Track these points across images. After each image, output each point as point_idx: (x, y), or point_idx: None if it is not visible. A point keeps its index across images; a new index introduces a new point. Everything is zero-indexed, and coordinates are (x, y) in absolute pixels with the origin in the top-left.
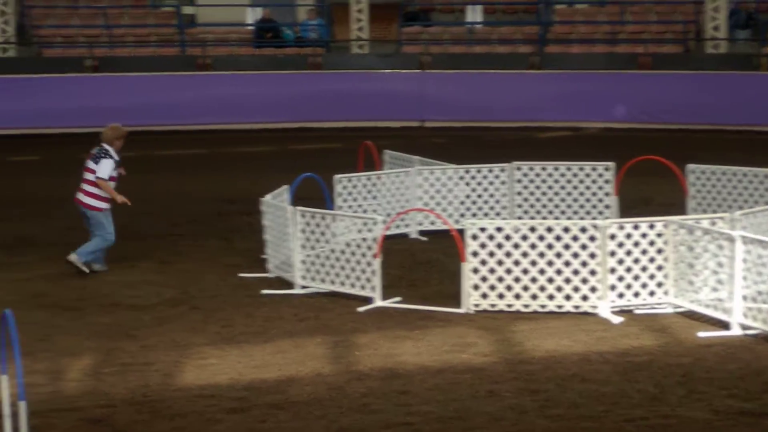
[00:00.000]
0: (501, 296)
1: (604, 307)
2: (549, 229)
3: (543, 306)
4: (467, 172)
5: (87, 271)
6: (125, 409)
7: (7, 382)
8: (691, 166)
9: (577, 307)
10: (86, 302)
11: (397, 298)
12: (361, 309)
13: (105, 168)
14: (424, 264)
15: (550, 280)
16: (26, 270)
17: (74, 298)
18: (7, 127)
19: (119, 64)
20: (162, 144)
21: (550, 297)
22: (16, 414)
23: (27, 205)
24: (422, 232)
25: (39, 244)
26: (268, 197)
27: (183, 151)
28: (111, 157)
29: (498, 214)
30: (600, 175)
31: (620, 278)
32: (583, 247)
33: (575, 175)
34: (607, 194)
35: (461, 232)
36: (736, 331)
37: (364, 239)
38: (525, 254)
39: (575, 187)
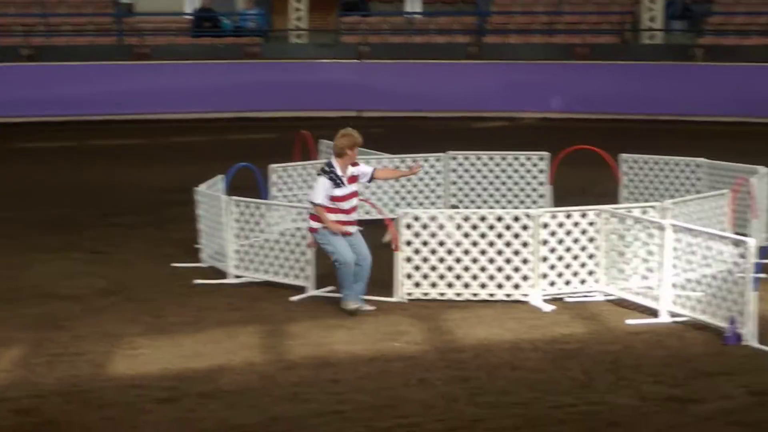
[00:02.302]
0: (434, 285)
1: (536, 295)
2: (482, 218)
3: (475, 295)
4: (402, 161)
5: (367, 308)
6: (55, 400)
7: None
8: (624, 156)
9: (508, 295)
10: (18, 293)
11: (331, 288)
12: (294, 298)
13: (316, 190)
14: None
15: (483, 269)
16: None
17: (5, 289)
18: None
19: (56, 53)
20: (99, 134)
21: (482, 286)
22: None
23: None
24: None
25: None
26: (202, 187)
27: (120, 141)
28: (329, 173)
29: (432, 203)
30: (534, 165)
31: (552, 267)
32: (516, 236)
33: (510, 164)
34: (541, 183)
35: (395, 221)
36: (664, 318)
37: (298, 229)
38: (458, 243)
39: (510, 177)
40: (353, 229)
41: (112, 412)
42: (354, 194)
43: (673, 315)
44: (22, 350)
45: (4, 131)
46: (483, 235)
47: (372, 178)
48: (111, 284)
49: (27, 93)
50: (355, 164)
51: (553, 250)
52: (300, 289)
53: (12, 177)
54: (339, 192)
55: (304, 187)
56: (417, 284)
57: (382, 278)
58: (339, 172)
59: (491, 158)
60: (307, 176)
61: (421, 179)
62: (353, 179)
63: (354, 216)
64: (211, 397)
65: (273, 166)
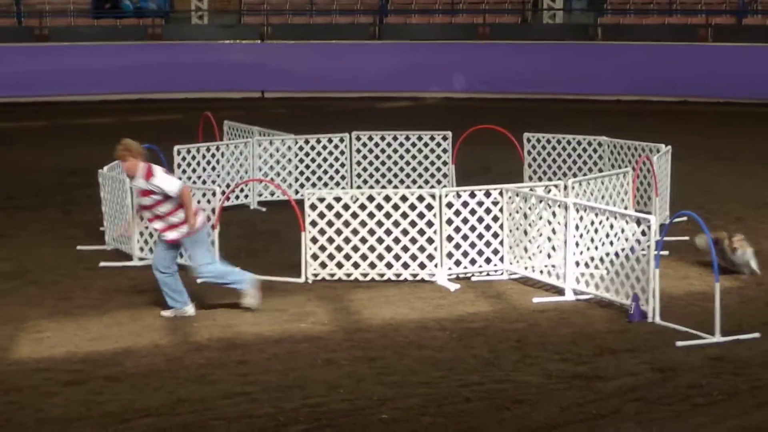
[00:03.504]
0: (340, 265)
1: (441, 274)
2: (387, 198)
3: (381, 275)
4: (307, 142)
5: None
6: None
7: None
8: (527, 135)
9: (414, 275)
10: None
11: (237, 268)
12: (200, 280)
13: None
14: (264, 234)
15: (388, 249)
16: None
17: None
18: None
19: None
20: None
21: (388, 265)
22: None
23: None
24: (261, 203)
25: None
26: (105, 169)
27: (21, 123)
28: None
29: (337, 184)
30: (438, 145)
31: (457, 246)
32: (421, 215)
33: (414, 144)
34: (444, 163)
35: (300, 202)
36: (569, 296)
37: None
38: (363, 223)
39: (414, 157)
40: (174, 236)
41: (18, 396)
42: (149, 206)
43: (578, 293)
44: None
45: None
46: (388, 215)
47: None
48: (14, 267)
49: None
50: (149, 177)
51: (458, 230)
52: None
53: None
54: (139, 200)
55: (207, 168)
56: (323, 265)
57: (288, 259)
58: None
59: (395, 138)
60: (210, 157)
61: (325, 159)
62: (146, 192)
63: (157, 225)
64: (117, 379)
65: (177, 147)
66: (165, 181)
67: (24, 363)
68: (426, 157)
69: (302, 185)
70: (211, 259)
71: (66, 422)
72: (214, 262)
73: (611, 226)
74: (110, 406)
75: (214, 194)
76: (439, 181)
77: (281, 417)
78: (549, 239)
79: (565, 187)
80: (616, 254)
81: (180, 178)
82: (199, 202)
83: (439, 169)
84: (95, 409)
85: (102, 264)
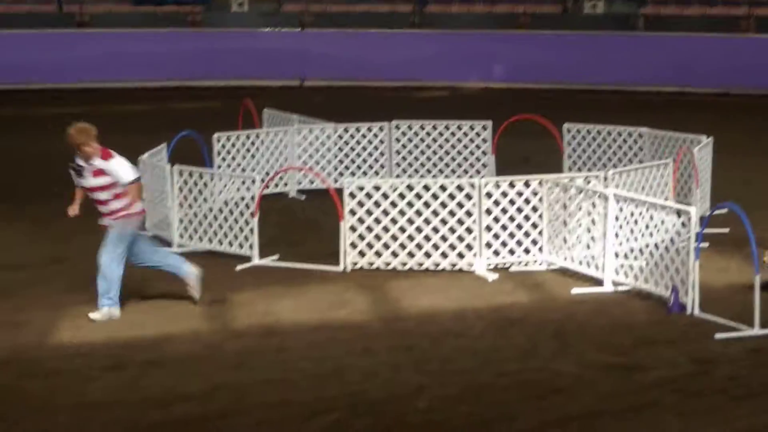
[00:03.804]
0: (378, 254)
1: (480, 264)
2: (426, 188)
3: (420, 264)
4: (346, 130)
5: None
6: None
7: None
8: (567, 125)
9: (453, 264)
10: None
11: (275, 257)
12: (239, 267)
13: None
14: (303, 222)
15: (427, 238)
16: None
17: None
18: None
19: None
20: (41, 103)
21: (427, 255)
22: None
23: None
24: (301, 191)
25: None
26: (145, 156)
27: (62, 110)
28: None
29: (376, 173)
30: (478, 134)
31: (496, 236)
32: (460, 205)
33: (453, 134)
34: (484, 153)
35: (339, 191)
36: (608, 287)
37: (243, 198)
38: (402, 213)
39: (453, 147)
40: (106, 222)
41: (58, 380)
42: (100, 188)
43: (617, 284)
44: None
45: None
46: (427, 205)
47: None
48: (54, 254)
49: None
50: (107, 157)
51: (497, 220)
52: (244, 258)
53: None
54: (83, 182)
55: (247, 156)
56: (362, 253)
57: (327, 248)
58: (80, 162)
59: (435, 127)
60: (250, 145)
61: (364, 148)
62: (99, 172)
63: (105, 209)
64: (156, 365)
65: (217, 134)
66: (122, 167)
67: (64, 348)
68: (465, 146)
69: (341, 174)
70: (116, 259)
71: (105, 406)
72: (113, 262)
73: (651, 218)
74: (149, 391)
75: (253, 182)
76: (478, 171)
77: (319, 404)
78: (588, 230)
79: (605, 178)
80: (656, 246)
81: (220, 166)
82: (238, 189)
83: (478, 159)
84: (134, 394)
85: None
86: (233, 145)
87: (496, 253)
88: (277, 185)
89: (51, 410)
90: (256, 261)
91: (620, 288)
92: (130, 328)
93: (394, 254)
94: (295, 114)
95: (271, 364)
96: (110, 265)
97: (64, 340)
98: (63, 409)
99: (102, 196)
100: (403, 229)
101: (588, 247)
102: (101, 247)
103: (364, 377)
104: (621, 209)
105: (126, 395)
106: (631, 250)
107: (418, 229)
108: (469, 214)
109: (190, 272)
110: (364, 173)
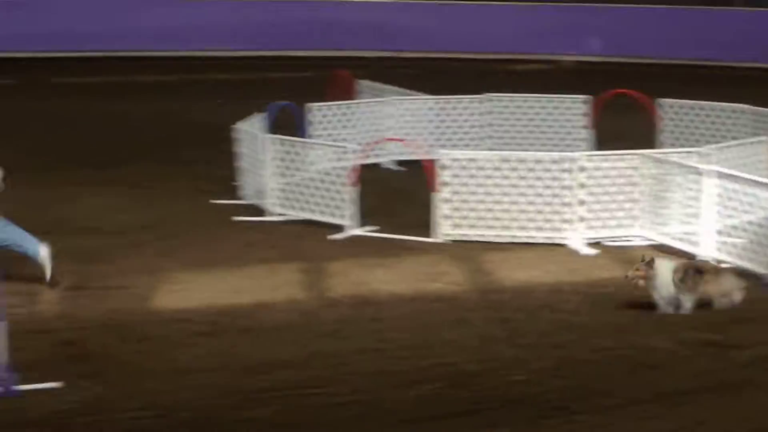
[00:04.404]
0: (473, 226)
1: (576, 239)
2: (521, 160)
3: (515, 237)
4: (447, 102)
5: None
6: (97, 332)
7: None
8: (664, 101)
9: (548, 238)
10: (61, 226)
11: (371, 227)
12: (335, 237)
13: None
14: (398, 194)
15: (523, 212)
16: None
17: (49, 222)
18: None
19: None
20: (140, 70)
21: (522, 228)
22: None
23: None
24: (398, 162)
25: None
26: (242, 124)
27: (159, 77)
28: None
29: (472, 145)
30: (575, 109)
31: (592, 210)
32: (556, 178)
33: (551, 108)
34: (581, 127)
35: (433, 162)
36: None
37: (340, 168)
38: (498, 185)
39: (550, 120)
40: None
41: (153, 345)
42: None
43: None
44: (66, 282)
45: (46, 65)
46: (523, 178)
47: None
48: (153, 219)
49: (67, 26)
50: None
51: (593, 194)
52: (339, 228)
53: (54, 111)
54: None
55: (338, 126)
56: (457, 225)
57: (422, 219)
58: None
59: (531, 101)
60: (347, 115)
61: (466, 120)
62: None
63: None
64: (252, 332)
65: (312, 104)
66: None
67: (160, 313)
68: (563, 121)
69: (436, 146)
70: None
71: (200, 372)
72: None
73: (749, 194)
74: (245, 358)
75: (350, 152)
76: (575, 145)
77: (415, 375)
78: (686, 206)
79: (703, 154)
80: (754, 223)
81: (315, 136)
82: (335, 160)
83: (575, 134)
84: (230, 361)
85: (237, 218)
86: (325, 116)
87: (592, 227)
88: (373, 156)
89: (146, 375)
90: (352, 231)
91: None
92: (226, 294)
93: (490, 227)
94: (390, 85)
95: (367, 333)
96: None
97: (161, 306)
98: (158, 374)
99: None
100: (498, 202)
101: (685, 223)
102: None
103: (459, 349)
104: (719, 185)
105: (221, 361)
106: (729, 227)
107: (514, 202)
108: (564, 188)
109: (38, 251)
110: (462, 145)
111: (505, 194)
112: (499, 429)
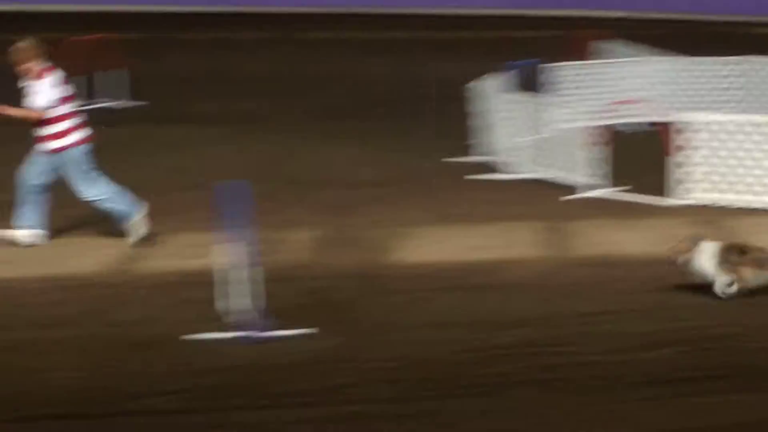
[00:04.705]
0: (719, 190)
1: None
2: None
3: (765, 203)
4: (701, 63)
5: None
6: (341, 283)
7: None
8: None
9: None
10: (306, 178)
11: (611, 188)
12: (573, 197)
13: None
14: (639, 156)
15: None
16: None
17: (296, 173)
18: None
19: None
20: (366, 26)
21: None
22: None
23: None
24: (638, 124)
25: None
26: (478, 82)
27: (400, 34)
28: None
29: (731, 108)
30: None
31: None
32: None
33: None
34: None
35: (679, 125)
36: None
37: (578, 128)
38: (747, 150)
39: None
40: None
41: (396, 298)
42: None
43: None
44: (313, 233)
45: (293, 21)
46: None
47: None
48: (385, 174)
49: None
50: (40, 76)
51: None
52: (576, 188)
53: (286, 68)
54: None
55: (581, 87)
56: (702, 189)
57: (661, 181)
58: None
59: None
60: (578, 78)
61: (722, 84)
62: None
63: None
64: (488, 288)
65: (554, 64)
66: (40, 91)
67: (401, 267)
68: None
69: (684, 109)
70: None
71: (445, 326)
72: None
73: None
74: (481, 314)
75: (592, 113)
76: None
77: (657, 337)
78: None
79: None
80: None
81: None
82: (576, 120)
83: None
84: (466, 316)
85: (467, 177)
86: (570, 76)
87: None
88: (615, 117)
89: (388, 328)
90: (592, 192)
91: None
92: (465, 251)
93: (737, 191)
94: (632, 46)
95: (606, 295)
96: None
97: (401, 260)
98: (404, 327)
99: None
100: (747, 167)
101: None
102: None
103: (697, 314)
104: None
105: (456, 316)
106: None
107: (762, 168)
108: None
109: (133, 213)
110: (714, 109)
111: (754, 159)
112: (746, 395)
